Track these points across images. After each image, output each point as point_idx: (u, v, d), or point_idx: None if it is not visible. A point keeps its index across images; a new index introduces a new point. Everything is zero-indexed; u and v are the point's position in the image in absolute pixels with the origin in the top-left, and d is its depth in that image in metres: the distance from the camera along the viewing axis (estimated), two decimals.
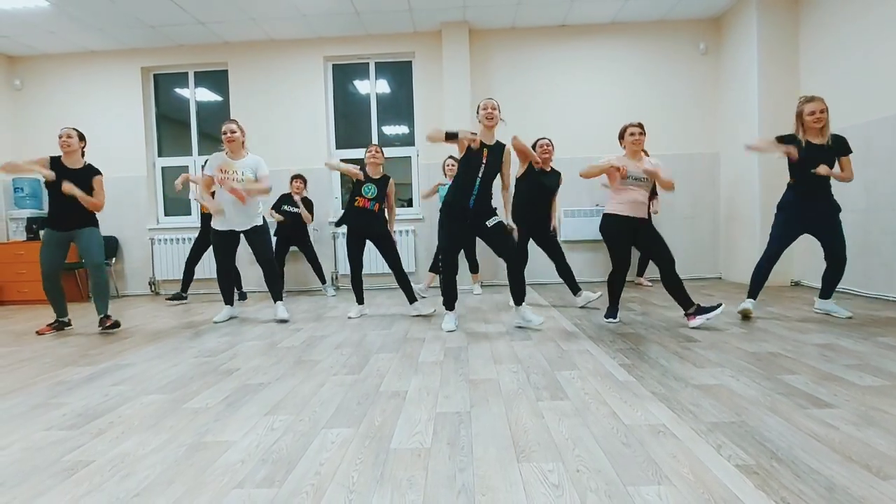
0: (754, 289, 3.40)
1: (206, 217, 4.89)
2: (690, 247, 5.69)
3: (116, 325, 3.69)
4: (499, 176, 3.34)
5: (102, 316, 3.69)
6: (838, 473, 1.32)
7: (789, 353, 2.49)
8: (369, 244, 4.89)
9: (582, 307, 4.06)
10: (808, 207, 3.24)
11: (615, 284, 3.40)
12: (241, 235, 3.87)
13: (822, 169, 3.11)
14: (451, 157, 4.87)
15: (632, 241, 3.31)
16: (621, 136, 3.35)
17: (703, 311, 3.14)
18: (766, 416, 1.71)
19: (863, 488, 1.24)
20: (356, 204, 3.78)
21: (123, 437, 1.72)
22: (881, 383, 2.01)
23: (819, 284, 3.47)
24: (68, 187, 3.45)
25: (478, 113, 3.27)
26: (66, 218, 3.59)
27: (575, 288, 4.14)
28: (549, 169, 4.06)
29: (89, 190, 3.61)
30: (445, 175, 4.92)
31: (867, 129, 4.07)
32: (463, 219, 3.28)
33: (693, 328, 3.13)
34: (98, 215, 3.75)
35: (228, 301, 3.99)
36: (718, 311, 3.08)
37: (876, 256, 4.04)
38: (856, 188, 4.18)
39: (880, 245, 4.00)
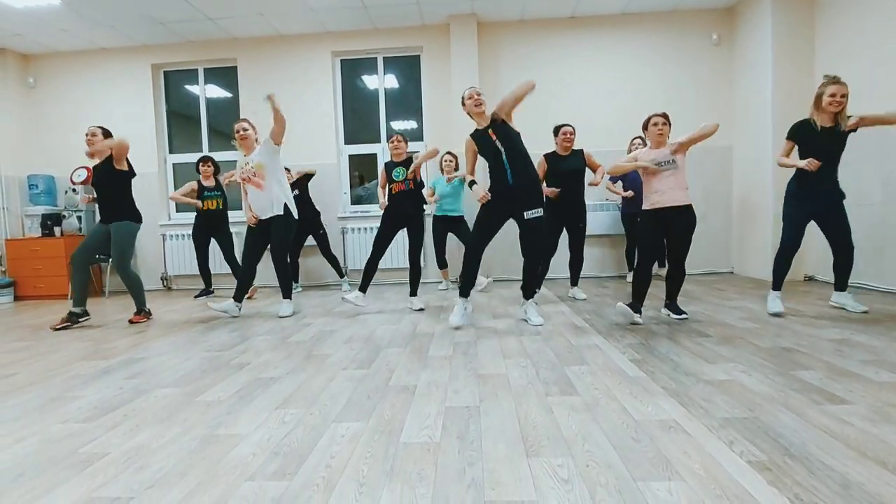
0: (777, 281, 3.34)
1: (199, 216, 5.01)
2: (703, 241, 5.61)
3: (134, 322, 3.80)
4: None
5: (136, 310, 3.89)
6: (853, 470, 1.30)
7: (803, 349, 2.46)
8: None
9: (570, 296, 4.29)
10: (813, 195, 3.19)
11: (640, 277, 3.25)
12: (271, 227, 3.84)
13: (853, 121, 3.03)
14: (448, 153, 4.87)
15: (664, 232, 3.24)
16: (645, 127, 3.31)
17: (675, 308, 3.29)
18: (780, 412, 1.69)
19: (878, 485, 1.23)
20: (394, 192, 3.89)
21: (137, 430, 1.75)
22: None
23: (831, 279, 3.41)
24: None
25: (464, 105, 3.26)
26: (101, 211, 3.79)
27: (575, 281, 4.29)
28: (567, 153, 4.05)
29: (113, 170, 3.71)
30: (442, 172, 4.89)
31: None
32: (510, 200, 3.18)
33: (672, 315, 3.28)
34: None
35: (237, 298, 3.93)
36: (680, 317, 3.24)
37: (892, 250, 3.96)
38: (872, 181, 4.11)
39: None
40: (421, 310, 3.93)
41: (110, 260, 3.81)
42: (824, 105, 3.08)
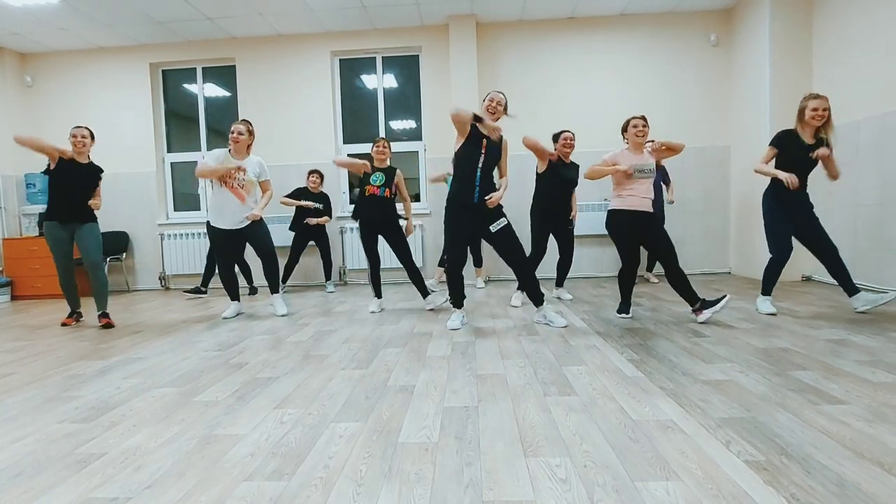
0: (767, 286, 3.35)
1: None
2: (700, 241, 5.64)
3: (110, 325, 3.71)
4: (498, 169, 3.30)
5: (101, 313, 3.75)
6: (849, 470, 1.31)
7: (800, 349, 2.47)
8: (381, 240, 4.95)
9: (556, 297, 4.29)
10: (790, 207, 3.22)
11: (626, 280, 3.37)
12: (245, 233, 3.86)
13: (822, 151, 3.08)
14: None
15: (639, 236, 3.27)
16: (624, 129, 3.34)
17: (708, 304, 3.13)
18: (776, 412, 1.70)
19: (874, 485, 1.23)
20: (366, 193, 3.85)
21: (135, 430, 1.75)
22: (894, 379, 1.99)
23: (831, 280, 3.41)
24: (95, 203, 3.72)
25: (483, 102, 3.24)
26: (71, 209, 3.68)
27: (561, 282, 4.31)
28: (568, 161, 4.05)
29: (94, 185, 3.78)
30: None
31: (882, 122, 3.99)
32: (468, 211, 3.20)
33: (701, 323, 3.11)
34: (109, 211, 3.81)
35: (234, 297, 4.01)
36: (724, 302, 3.06)
37: (890, 251, 3.98)
38: (871, 182, 4.12)
39: (895, 240, 3.94)
40: (447, 299, 3.91)
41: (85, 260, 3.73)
42: (807, 118, 3.13)
